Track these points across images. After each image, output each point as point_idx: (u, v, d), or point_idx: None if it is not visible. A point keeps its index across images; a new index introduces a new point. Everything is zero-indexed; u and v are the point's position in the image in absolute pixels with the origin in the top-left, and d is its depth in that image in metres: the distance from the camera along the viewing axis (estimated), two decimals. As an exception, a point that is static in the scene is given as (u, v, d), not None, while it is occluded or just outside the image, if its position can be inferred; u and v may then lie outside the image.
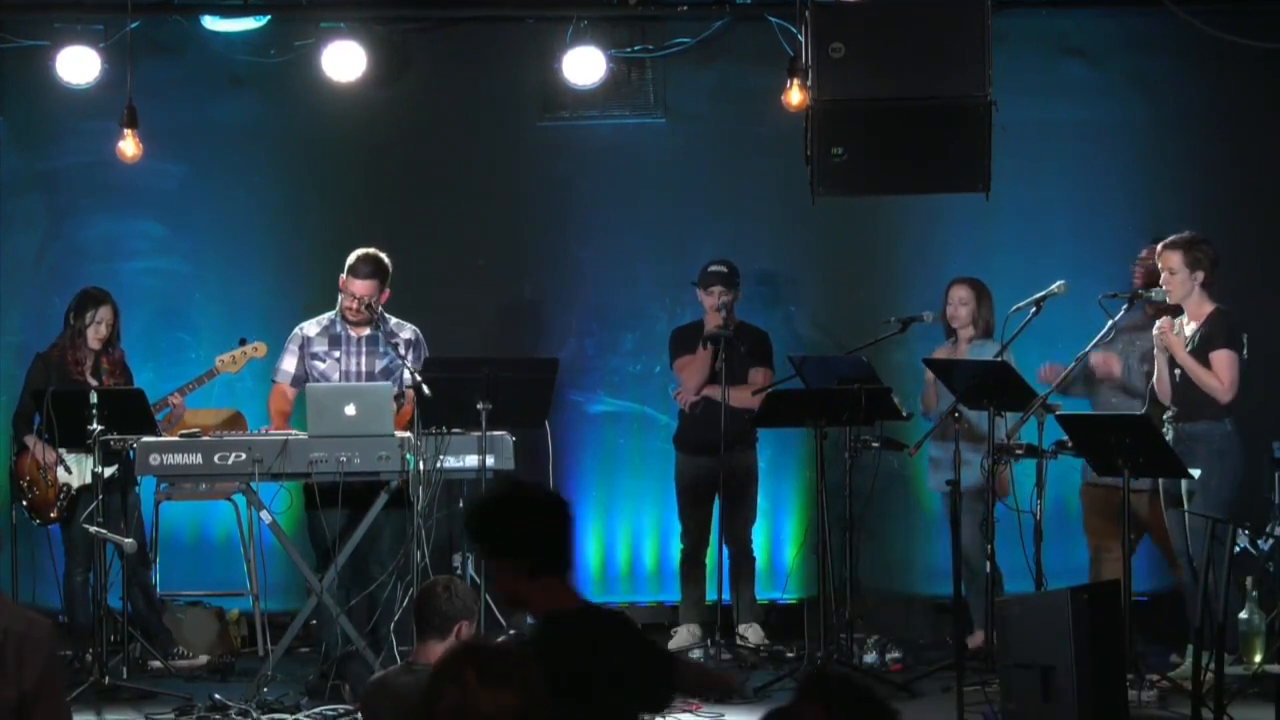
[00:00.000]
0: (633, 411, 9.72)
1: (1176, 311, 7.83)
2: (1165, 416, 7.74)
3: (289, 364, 8.06)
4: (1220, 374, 7.61)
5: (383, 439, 7.38)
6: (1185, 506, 7.55)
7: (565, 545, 4.25)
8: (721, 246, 9.19)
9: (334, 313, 8.07)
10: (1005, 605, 6.88)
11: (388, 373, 7.97)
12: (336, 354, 8.01)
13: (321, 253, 8.25)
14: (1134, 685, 6.99)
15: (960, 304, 8.56)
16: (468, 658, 3.18)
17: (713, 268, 8.79)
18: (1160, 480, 7.70)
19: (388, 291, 7.98)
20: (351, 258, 7.95)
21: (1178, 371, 7.71)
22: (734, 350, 8.57)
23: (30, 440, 8.27)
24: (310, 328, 8.08)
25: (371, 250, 7.95)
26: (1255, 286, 9.13)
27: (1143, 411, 7.67)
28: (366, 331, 8.01)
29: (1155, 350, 7.82)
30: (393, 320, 8.01)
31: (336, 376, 7.95)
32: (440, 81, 9.80)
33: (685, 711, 7.26)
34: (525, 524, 4.21)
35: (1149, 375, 8.00)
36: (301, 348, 8.05)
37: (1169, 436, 7.63)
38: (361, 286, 7.90)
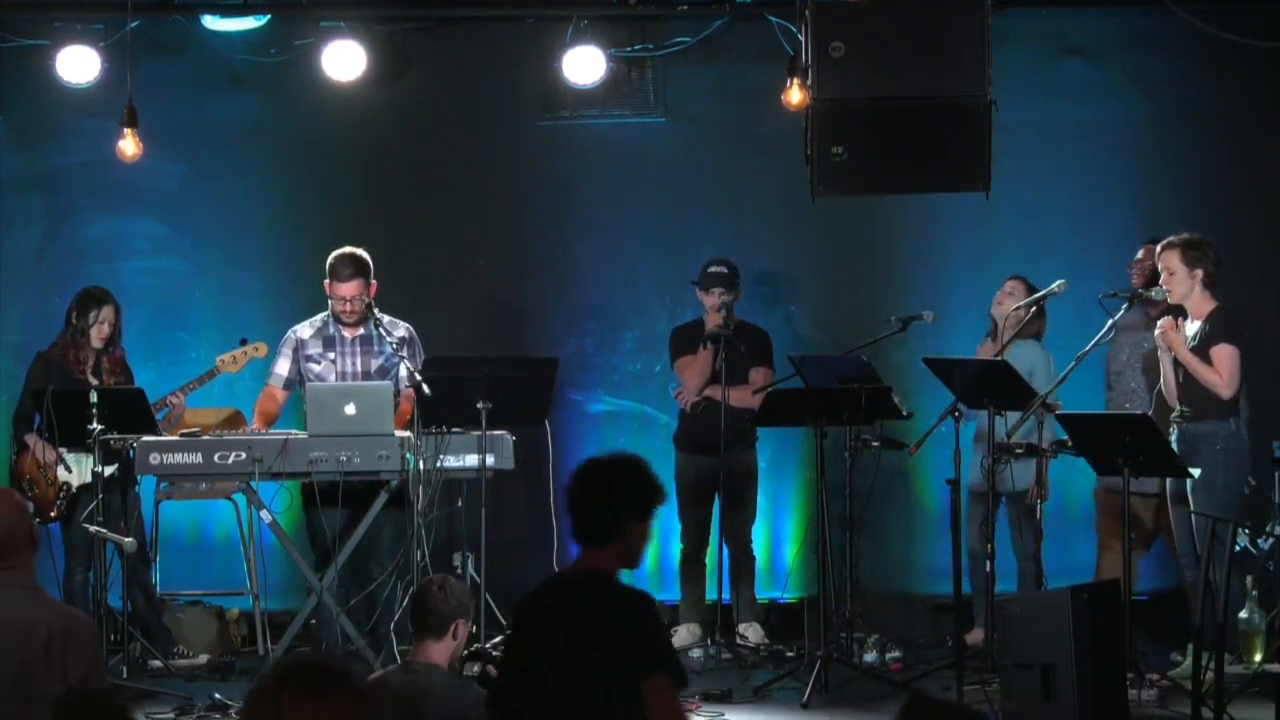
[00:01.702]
0: (633, 411, 9.72)
1: (1179, 311, 7.83)
2: (1172, 417, 7.74)
3: (282, 367, 8.06)
4: (1220, 369, 7.60)
5: (383, 438, 7.38)
6: (1190, 505, 7.55)
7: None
8: (721, 246, 9.19)
9: (327, 314, 8.06)
10: (1005, 604, 6.88)
11: (384, 371, 7.97)
12: (332, 355, 8.01)
13: (321, 252, 8.23)
14: (1134, 684, 6.99)
15: (1007, 293, 8.52)
16: (283, 673, 3.18)
17: (713, 268, 8.79)
18: (1168, 480, 7.70)
19: (374, 284, 7.97)
20: (330, 261, 7.95)
21: (1182, 371, 7.70)
22: (734, 349, 8.57)
23: (31, 439, 8.27)
24: (304, 330, 8.08)
25: (347, 250, 7.95)
26: (1255, 286, 9.12)
27: (1148, 413, 7.66)
28: (360, 331, 8.01)
29: (1159, 352, 7.82)
30: (386, 318, 8.00)
31: (333, 378, 7.95)
32: (440, 81, 9.80)
33: (685, 710, 7.26)
34: None
35: (1149, 377, 8.00)
36: (296, 350, 8.05)
37: (1173, 437, 7.63)
38: (348, 288, 7.90)
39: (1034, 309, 8.29)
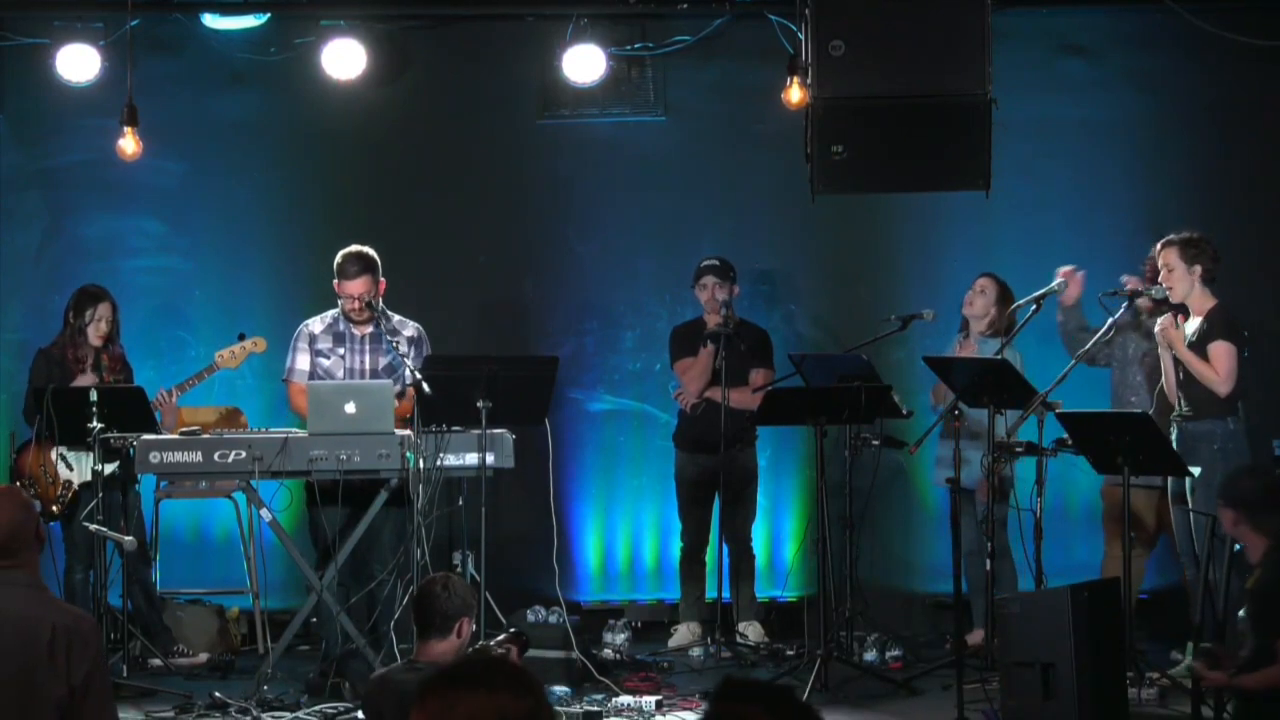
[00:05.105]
0: (633, 409, 9.72)
1: (1178, 309, 7.82)
2: (1173, 416, 7.74)
3: (302, 363, 8.02)
4: (1217, 365, 7.60)
5: (383, 437, 7.37)
6: (1189, 504, 7.55)
7: None
8: (721, 244, 9.19)
9: (338, 311, 8.06)
10: (1005, 603, 6.88)
11: (391, 369, 7.97)
12: (341, 351, 8.00)
13: (321, 250, 8.24)
14: (1134, 683, 7.00)
15: (979, 292, 8.55)
16: (452, 670, 3.16)
17: (704, 262, 8.79)
18: (1169, 478, 7.70)
19: (383, 282, 7.97)
20: (338, 260, 7.93)
21: (1182, 369, 7.70)
22: (734, 348, 8.57)
23: (38, 436, 8.27)
24: (315, 324, 8.07)
25: (355, 248, 7.93)
26: (1255, 283, 9.13)
27: (1149, 412, 7.66)
28: (370, 329, 8.00)
29: (1160, 349, 7.82)
30: (395, 318, 8.00)
31: (341, 374, 7.95)
32: (440, 79, 9.80)
33: (685, 710, 7.27)
34: None
35: (1149, 372, 8.00)
36: (309, 344, 8.03)
37: (1174, 436, 7.63)
38: (355, 286, 7.89)
39: (1005, 307, 8.37)
